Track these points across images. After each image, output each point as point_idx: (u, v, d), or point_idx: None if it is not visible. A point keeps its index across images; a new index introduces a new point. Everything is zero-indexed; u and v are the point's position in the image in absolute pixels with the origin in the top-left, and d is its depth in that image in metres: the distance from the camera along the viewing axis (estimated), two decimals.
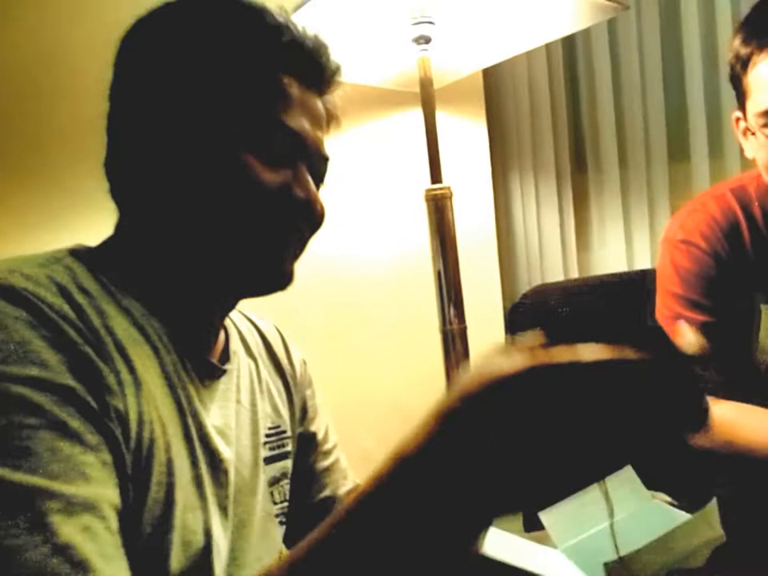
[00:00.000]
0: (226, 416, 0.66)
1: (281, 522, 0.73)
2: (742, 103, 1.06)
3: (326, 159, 0.67)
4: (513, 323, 1.36)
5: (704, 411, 0.39)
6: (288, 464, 0.75)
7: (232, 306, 0.69)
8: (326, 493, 0.80)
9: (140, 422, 0.52)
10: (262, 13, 0.62)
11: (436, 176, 1.23)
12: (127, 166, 0.62)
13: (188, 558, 0.56)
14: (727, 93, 1.53)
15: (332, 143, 0.69)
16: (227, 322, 0.72)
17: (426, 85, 1.22)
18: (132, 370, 0.54)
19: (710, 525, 0.71)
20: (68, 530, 0.43)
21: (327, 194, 0.68)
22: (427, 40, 1.19)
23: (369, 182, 1.55)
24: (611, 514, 0.55)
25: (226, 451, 0.63)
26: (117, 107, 0.62)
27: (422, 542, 0.40)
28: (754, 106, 1.02)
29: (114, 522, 0.46)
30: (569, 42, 1.79)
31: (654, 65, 1.76)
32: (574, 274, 1.75)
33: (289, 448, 0.75)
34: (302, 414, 0.80)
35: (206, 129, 0.59)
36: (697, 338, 0.40)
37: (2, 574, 0.41)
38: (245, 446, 0.68)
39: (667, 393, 0.38)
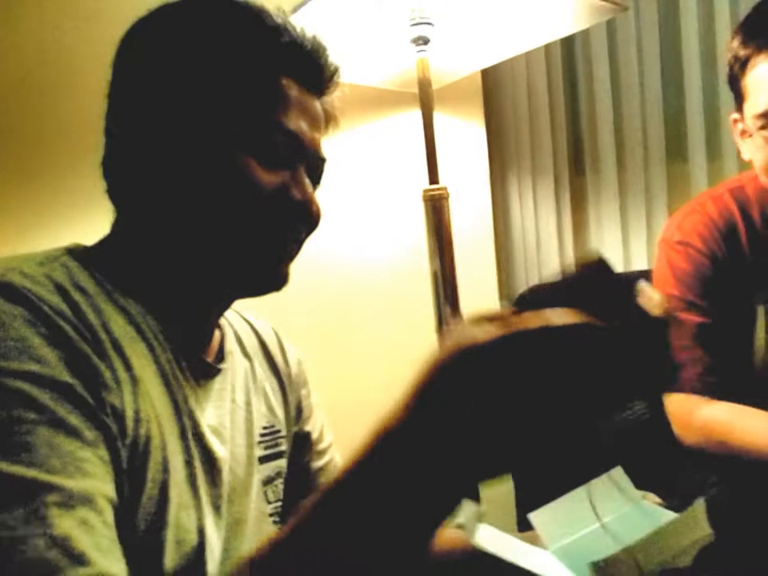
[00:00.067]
0: (221, 415, 0.66)
1: (275, 521, 0.73)
2: (739, 105, 1.06)
3: (323, 160, 0.68)
4: None
5: (671, 369, 0.39)
6: (282, 463, 0.75)
7: (227, 306, 0.69)
8: None
9: (136, 419, 0.53)
10: (260, 14, 0.62)
11: (434, 176, 1.23)
12: (125, 165, 0.62)
13: (181, 556, 0.56)
14: (725, 95, 1.52)
15: (330, 143, 0.69)
16: (223, 321, 0.72)
17: (424, 85, 1.22)
18: (128, 367, 0.54)
19: (697, 524, 0.71)
20: (66, 523, 0.43)
21: (324, 194, 0.68)
22: (426, 41, 1.20)
23: (366, 182, 1.55)
24: (599, 517, 0.55)
25: (220, 450, 0.64)
26: (115, 107, 0.63)
27: (405, 514, 0.41)
28: (751, 107, 1.02)
29: (109, 516, 0.47)
30: (567, 43, 1.79)
31: (652, 66, 1.76)
32: None
33: (283, 447, 0.76)
34: (297, 413, 0.81)
35: (204, 129, 0.60)
36: (659, 296, 0.41)
37: (0, 566, 0.41)
38: (239, 446, 0.68)
39: (634, 352, 0.40)
